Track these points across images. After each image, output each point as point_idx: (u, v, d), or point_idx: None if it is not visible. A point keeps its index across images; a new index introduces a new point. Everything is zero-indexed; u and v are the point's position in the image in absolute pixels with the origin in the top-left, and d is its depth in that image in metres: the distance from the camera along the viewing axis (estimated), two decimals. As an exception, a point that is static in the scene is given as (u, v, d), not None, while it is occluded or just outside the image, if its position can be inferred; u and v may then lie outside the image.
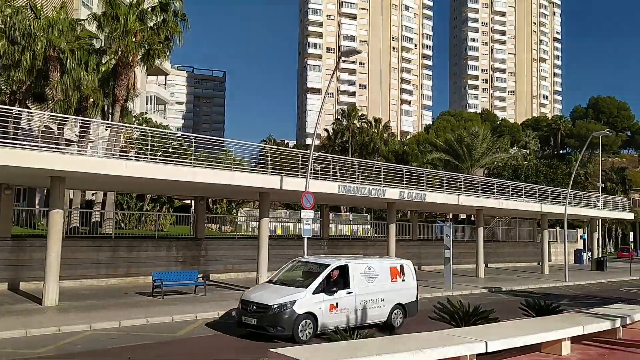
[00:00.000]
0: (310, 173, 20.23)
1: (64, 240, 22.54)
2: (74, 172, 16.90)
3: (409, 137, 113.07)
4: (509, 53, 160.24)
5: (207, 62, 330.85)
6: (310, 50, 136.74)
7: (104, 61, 28.39)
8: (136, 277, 23.68)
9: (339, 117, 71.99)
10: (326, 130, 72.48)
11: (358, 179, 30.63)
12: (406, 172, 27.30)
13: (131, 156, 26.95)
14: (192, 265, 25.62)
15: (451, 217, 56.62)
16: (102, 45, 28.25)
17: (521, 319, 10.92)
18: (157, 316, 16.04)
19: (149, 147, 24.99)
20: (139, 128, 27.01)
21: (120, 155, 27.18)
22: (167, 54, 29.80)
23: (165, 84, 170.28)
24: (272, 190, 21.89)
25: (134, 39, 25.99)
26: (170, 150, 31.00)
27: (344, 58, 21.13)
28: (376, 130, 70.04)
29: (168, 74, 63.87)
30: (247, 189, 21.70)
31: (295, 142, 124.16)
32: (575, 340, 9.81)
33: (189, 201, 46.96)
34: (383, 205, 30.40)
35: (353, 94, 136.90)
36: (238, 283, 24.95)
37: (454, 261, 38.94)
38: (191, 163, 20.32)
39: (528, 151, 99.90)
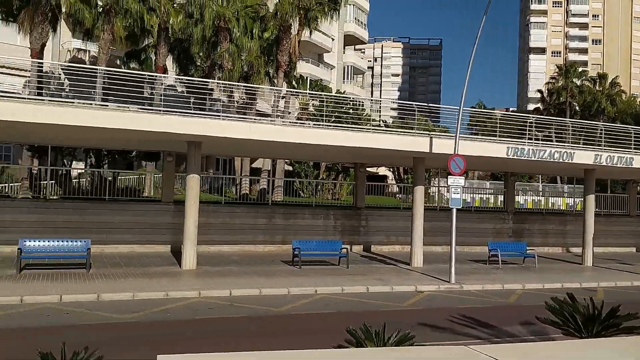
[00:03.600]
0: (459, 133, 17.16)
1: (228, 207, 23.37)
2: (207, 137, 16.73)
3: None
4: None
5: (423, 32, 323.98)
6: (534, 7, 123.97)
7: (267, 28, 28.40)
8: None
9: (555, 75, 63.49)
10: (539, 91, 64.60)
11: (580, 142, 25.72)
12: (604, 130, 21.97)
13: (308, 124, 26.57)
14: (352, 236, 24.43)
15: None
16: (267, 11, 28.27)
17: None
18: (274, 287, 15.07)
19: (324, 113, 23.96)
20: (292, 92, 26.39)
21: (291, 122, 27.05)
22: (332, 15, 28.49)
23: (381, 57, 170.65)
24: (422, 154, 19.29)
25: (291, 1, 25.30)
26: (344, 116, 30.02)
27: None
28: (601, 89, 60.12)
29: (365, 42, 63.15)
30: (396, 152, 19.46)
31: (515, 108, 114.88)
32: None
33: (376, 169, 45.96)
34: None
35: (584, 50, 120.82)
36: (397, 256, 23.02)
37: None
38: (322, 125, 18.90)
39: None
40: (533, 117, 23.20)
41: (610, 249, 28.29)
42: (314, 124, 22.42)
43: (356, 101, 41.29)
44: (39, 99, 19.24)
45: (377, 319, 11.72)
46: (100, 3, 28.21)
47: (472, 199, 38.32)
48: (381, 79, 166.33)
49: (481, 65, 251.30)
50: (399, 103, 61.16)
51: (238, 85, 22.48)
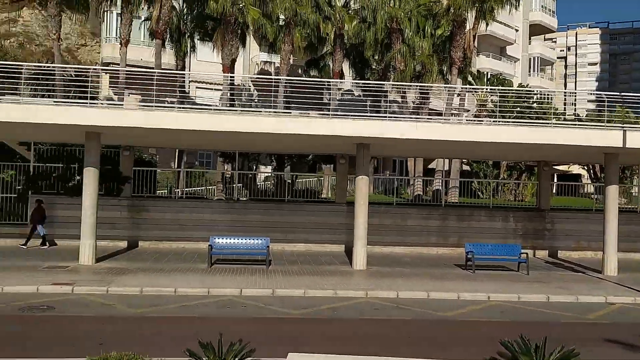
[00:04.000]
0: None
1: (400, 208, 23.38)
2: (373, 138, 16.87)
3: None
4: None
5: (626, 14, 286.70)
6: None
7: (440, 25, 27.65)
8: (468, 248, 22.38)
9: None
10: None
11: None
12: None
13: (487, 120, 25.60)
14: (535, 240, 22.81)
15: None
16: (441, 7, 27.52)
17: None
18: (443, 291, 14.59)
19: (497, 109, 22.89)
20: (466, 89, 25.27)
21: (468, 120, 26.28)
22: (513, 4, 26.78)
23: (575, 46, 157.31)
24: (614, 149, 17.19)
25: (464, -6, 24.37)
26: (526, 111, 28.36)
27: None
28: None
29: (553, 31, 58.37)
30: (582, 148, 17.64)
31: None
32: None
33: (567, 167, 42.17)
34: None
35: None
36: (588, 263, 20.82)
37: None
38: (500, 122, 17.83)
39: None
40: None
41: None
42: (493, 121, 21.35)
43: (541, 94, 38.42)
44: (231, 110, 21.16)
45: (553, 332, 10.81)
46: (282, 17, 30.20)
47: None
48: (576, 69, 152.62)
49: None
50: (596, 94, 55.44)
51: (409, 86, 22.31)
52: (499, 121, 18.34)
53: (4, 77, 17.80)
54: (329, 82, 22.75)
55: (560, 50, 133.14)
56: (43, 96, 25.56)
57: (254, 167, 29.81)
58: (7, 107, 15.68)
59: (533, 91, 31.84)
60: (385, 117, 17.11)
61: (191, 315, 11.83)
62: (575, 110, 61.36)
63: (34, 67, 19.79)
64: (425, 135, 16.34)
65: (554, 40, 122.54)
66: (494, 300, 14.08)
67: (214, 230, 20.51)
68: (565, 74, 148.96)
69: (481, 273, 17.68)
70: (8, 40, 48.41)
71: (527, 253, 18.13)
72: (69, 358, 8.47)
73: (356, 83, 32.68)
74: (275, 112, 18.15)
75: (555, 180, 46.15)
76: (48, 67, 24.90)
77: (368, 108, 26.88)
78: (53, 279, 14.56)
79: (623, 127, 17.12)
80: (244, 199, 26.61)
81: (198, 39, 32.29)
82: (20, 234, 20.73)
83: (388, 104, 20.95)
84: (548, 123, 18.10)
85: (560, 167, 43.75)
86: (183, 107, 20.17)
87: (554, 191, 37.31)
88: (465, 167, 37.34)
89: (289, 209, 22.57)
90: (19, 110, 15.59)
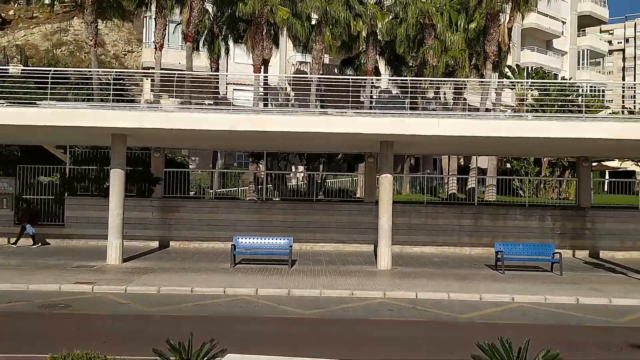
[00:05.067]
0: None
1: (431, 207, 22.83)
2: (395, 136, 16.47)
3: None
4: None
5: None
6: None
7: (473, 18, 26.79)
8: (503, 248, 21.53)
9: None
10: None
11: None
12: None
13: (525, 115, 24.75)
14: (575, 239, 21.73)
15: None
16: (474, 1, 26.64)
17: None
18: (466, 292, 14.04)
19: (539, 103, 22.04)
20: (501, 83, 24.30)
21: (507, 115, 25.52)
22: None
23: (634, 37, 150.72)
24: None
25: (496, -14, 23.50)
26: (568, 105, 27.27)
27: None
28: None
29: (605, 22, 55.85)
30: (620, 143, 16.66)
31: None
32: None
33: (619, 163, 40.21)
34: None
35: None
36: (634, 265, 19.58)
37: None
38: (540, 116, 17.05)
39: None
40: None
41: None
42: (534, 116, 20.53)
43: (592, 87, 36.83)
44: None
45: (573, 335, 10.25)
46: (316, 16, 30.05)
47: None
48: (635, 61, 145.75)
49: None
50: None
51: (438, 81, 21.71)
52: (527, 116, 17.56)
53: (40, 82, 18.41)
54: (355, 79, 22.44)
55: (618, 42, 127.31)
56: (83, 100, 26.39)
57: (284, 167, 29.82)
58: (31, 111, 16.17)
59: (576, 84, 30.41)
60: (406, 113, 16.66)
61: (200, 314, 11.80)
62: (635, 102, 58.35)
63: (60, 72, 20.33)
64: (448, 131, 15.79)
65: (610, 32, 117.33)
66: (518, 302, 13.43)
67: (243, 230, 20.55)
68: (624, 67, 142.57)
69: (511, 274, 16.95)
70: (60, 49, 50.39)
71: (560, 253, 17.23)
72: (34, 354, 8.52)
73: (393, 80, 32.20)
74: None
75: (607, 177, 44.09)
76: (77, 71, 25.66)
77: (407, 106, 26.38)
78: (77, 278, 14.87)
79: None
80: (276, 199, 26.61)
81: (232, 41, 32.55)
82: (57, 235, 21.43)
83: (425, 101, 20.47)
84: (594, 117, 17.17)
85: (612, 164, 41.80)
86: (211, 108, 20.31)
87: (606, 189, 35.62)
88: (507, 165, 36.18)
89: (318, 209, 22.36)
90: (40, 113, 16.02)
